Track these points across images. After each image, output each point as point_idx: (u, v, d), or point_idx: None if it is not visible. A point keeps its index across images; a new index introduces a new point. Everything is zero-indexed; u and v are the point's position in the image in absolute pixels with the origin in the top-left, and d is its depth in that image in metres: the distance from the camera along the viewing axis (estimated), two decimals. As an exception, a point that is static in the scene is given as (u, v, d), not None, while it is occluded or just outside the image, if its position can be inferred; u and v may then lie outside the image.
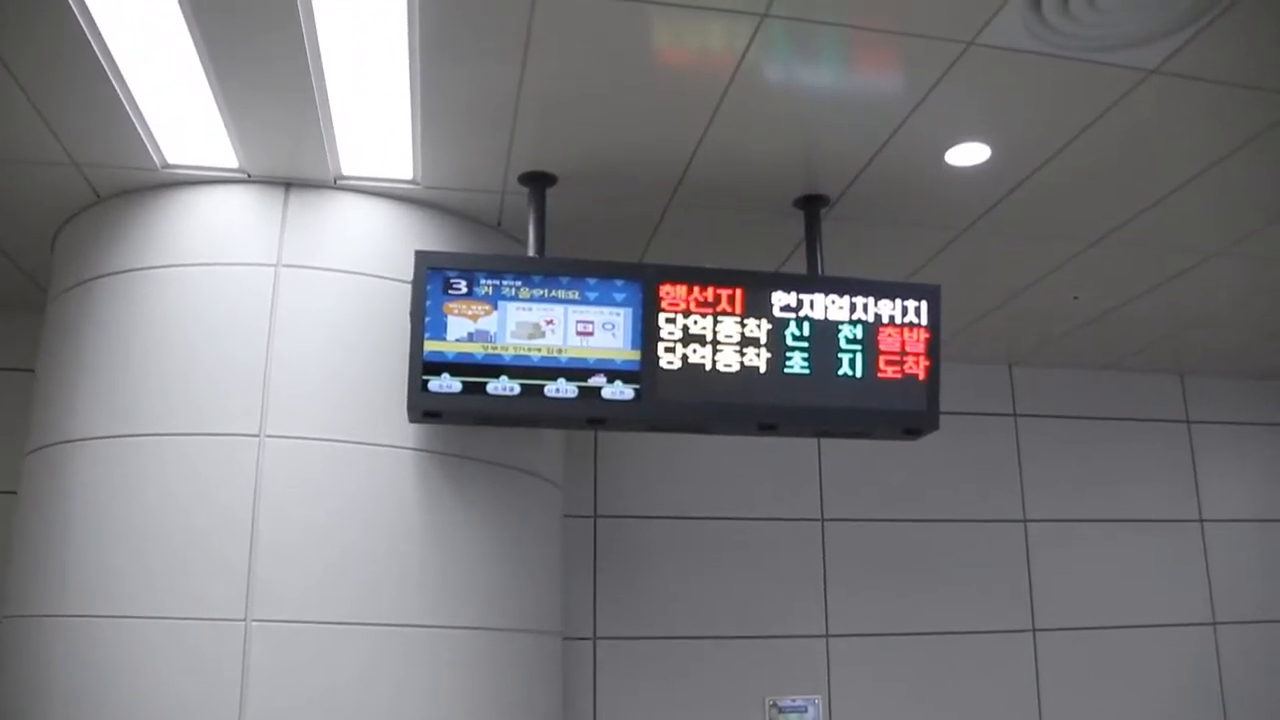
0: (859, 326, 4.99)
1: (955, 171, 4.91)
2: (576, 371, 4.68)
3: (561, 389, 4.65)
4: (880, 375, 4.99)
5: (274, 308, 4.76)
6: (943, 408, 5.10)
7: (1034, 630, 7.43)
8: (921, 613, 7.26)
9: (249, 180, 4.92)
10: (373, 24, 3.82)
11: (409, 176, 4.91)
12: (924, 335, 5.06)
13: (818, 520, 7.24)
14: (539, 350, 4.65)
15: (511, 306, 4.67)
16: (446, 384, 4.56)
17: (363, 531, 4.64)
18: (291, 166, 4.84)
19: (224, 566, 4.43)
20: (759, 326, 4.88)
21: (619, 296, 4.77)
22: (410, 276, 4.65)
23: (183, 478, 4.53)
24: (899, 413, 5.04)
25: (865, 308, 5.00)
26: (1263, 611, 7.90)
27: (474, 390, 4.58)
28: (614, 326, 4.75)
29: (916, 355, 5.04)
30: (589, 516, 6.83)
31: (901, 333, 5.03)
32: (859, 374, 4.96)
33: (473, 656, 4.83)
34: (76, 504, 4.60)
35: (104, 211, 5.03)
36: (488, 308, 4.64)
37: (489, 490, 5.03)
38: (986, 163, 4.83)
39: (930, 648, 7.22)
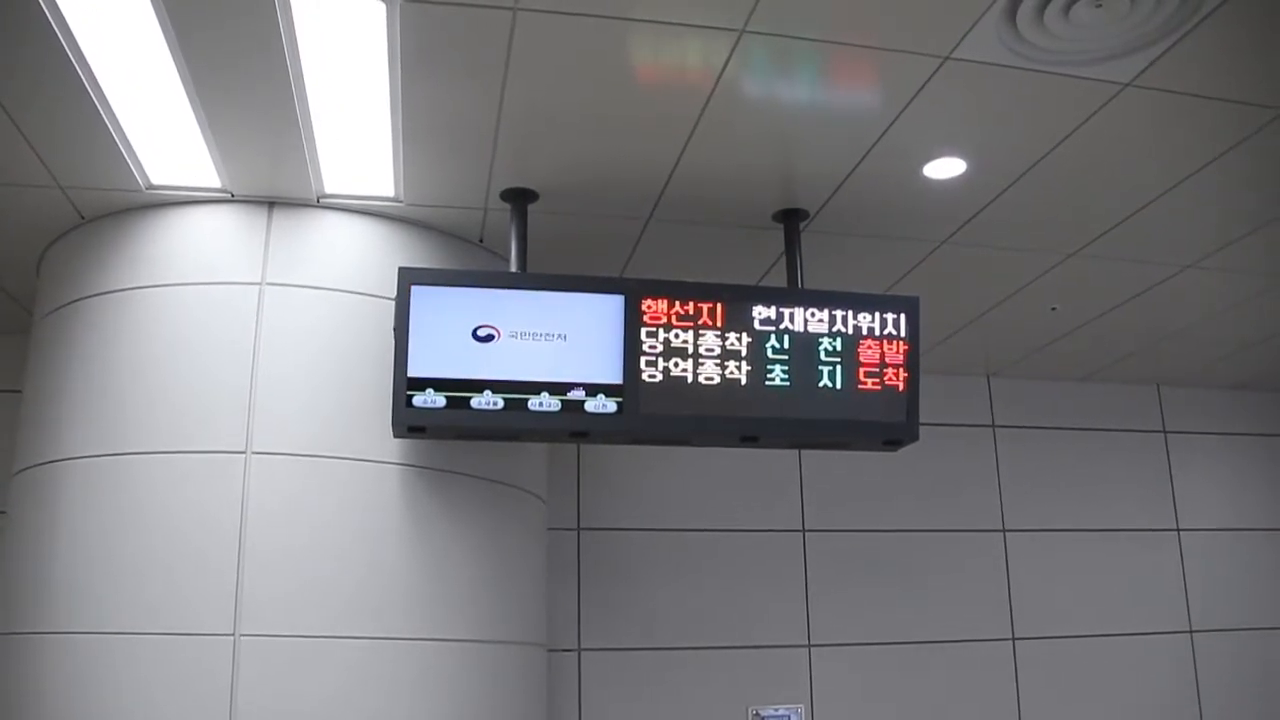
0: (839, 339, 5.02)
1: (933, 185, 4.95)
2: (559, 385, 4.71)
3: (545, 403, 4.68)
4: (860, 387, 5.02)
5: (258, 326, 4.78)
6: (922, 419, 5.14)
7: (1013, 639, 7.47)
8: (902, 622, 7.30)
9: (232, 200, 4.94)
10: (354, 44, 3.85)
11: (391, 194, 4.94)
12: (903, 347, 5.09)
13: (799, 531, 7.28)
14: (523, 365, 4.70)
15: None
16: (431, 399, 4.58)
17: (349, 545, 4.67)
18: (274, 186, 4.86)
19: (212, 582, 4.46)
20: (740, 339, 4.91)
21: (601, 311, 4.81)
22: (394, 293, 4.68)
23: (170, 495, 4.55)
24: (879, 424, 5.08)
25: (845, 320, 5.04)
26: (1238, 620, 7.95)
27: (458, 405, 4.60)
28: (596, 341, 4.79)
29: (896, 367, 5.07)
30: (572, 529, 6.86)
31: (881, 345, 5.06)
32: (839, 386, 4.99)
33: (459, 668, 4.85)
34: (65, 523, 4.62)
35: (89, 233, 5.05)
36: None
37: (473, 504, 5.06)
38: (963, 176, 4.88)
39: (911, 656, 7.26)
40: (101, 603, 4.46)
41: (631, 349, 4.79)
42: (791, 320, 4.98)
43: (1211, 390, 8.39)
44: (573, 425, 4.75)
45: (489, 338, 4.67)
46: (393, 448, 4.82)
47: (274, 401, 4.71)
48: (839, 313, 5.04)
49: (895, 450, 5.28)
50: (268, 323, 4.80)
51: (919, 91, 4.19)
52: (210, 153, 4.56)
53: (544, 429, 4.78)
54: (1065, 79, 4.11)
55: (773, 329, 4.96)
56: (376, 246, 5.08)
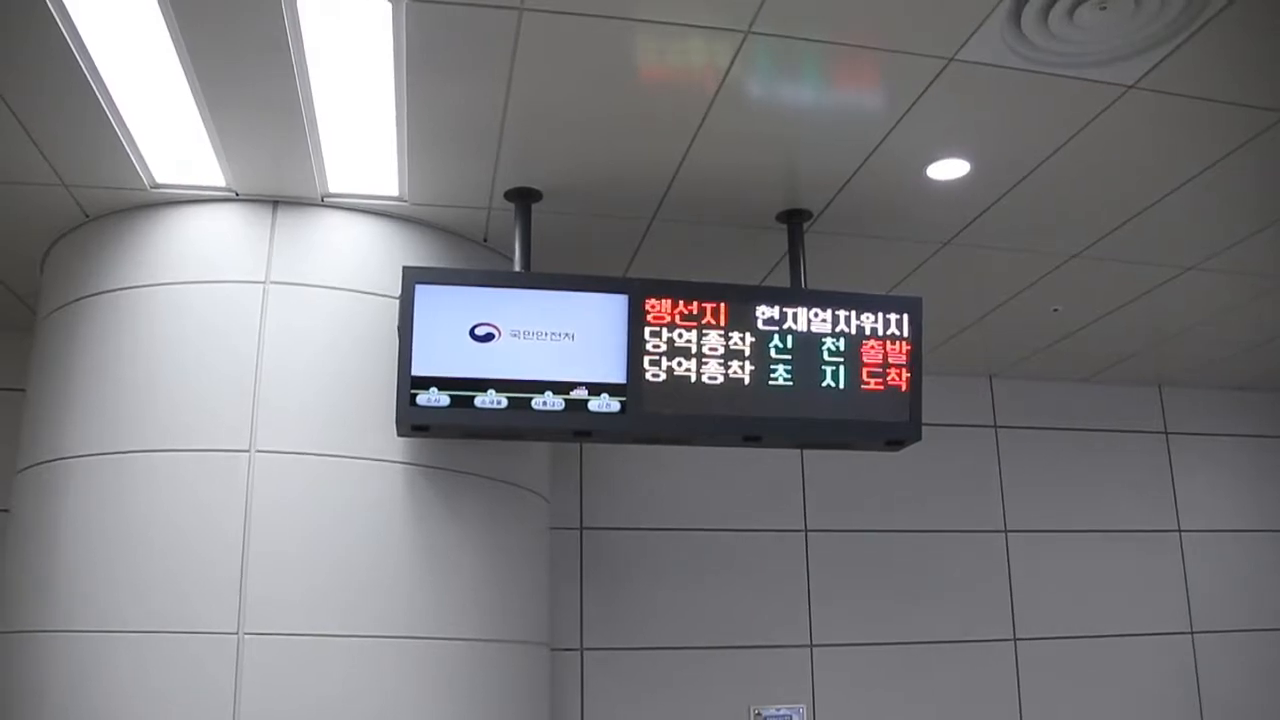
0: (842, 339, 5.02)
1: (936, 186, 4.95)
2: (563, 385, 4.71)
3: (548, 402, 4.68)
4: (863, 387, 5.02)
5: (263, 324, 4.79)
6: (924, 419, 5.14)
7: (1015, 639, 7.47)
8: (904, 622, 7.30)
9: (237, 199, 4.95)
10: (359, 42, 3.85)
11: (395, 193, 4.94)
12: (906, 348, 5.09)
13: (801, 531, 7.28)
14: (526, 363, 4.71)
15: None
16: (435, 398, 4.59)
17: (352, 544, 4.67)
18: (279, 184, 4.86)
19: (216, 580, 4.46)
20: (743, 339, 4.91)
21: (605, 310, 4.82)
22: (398, 292, 4.69)
23: (174, 493, 4.55)
24: (882, 424, 5.08)
25: (848, 320, 5.04)
26: (1239, 621, 7.95)
27: (462, 404, 4.61)
28: (599, 340, 4.80)
29: (899, 367, 5.08)
30: (575, 528, 6.86)
31: (884, 345, 5.07)
32: (842, 386, 5.00)
33: (461, 667, 4.86)
34: (68, 521, 4.62)
35: (93, 231, 5.05)
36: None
37: (476, 503, 5.06)
38: (967, 177, 4.88)
39: (913, 657, 7.26)
40: (105, 601, 4.46)
41: (635, 348, 4.80)
42: (795, 320, 4.98)
43: (1213, 391, 8.39)
44: (576, 424, 4.75)
45: (489, 337, 4.68)
46: (396, 446, 4.83)
47: (278, 400, 4.71)
48: (842, 313, 5.04)
49: (898, 450, 5.28)
50: (272, 321, 4.80)
51: (923, 93, 4.19)
52: (215, 152, 4.57)
53: (547, 428, 4.78)
54: (1069, 81, 4.11)
55: (776, 329, 4.96)
56: (380, 246, 5.08)
